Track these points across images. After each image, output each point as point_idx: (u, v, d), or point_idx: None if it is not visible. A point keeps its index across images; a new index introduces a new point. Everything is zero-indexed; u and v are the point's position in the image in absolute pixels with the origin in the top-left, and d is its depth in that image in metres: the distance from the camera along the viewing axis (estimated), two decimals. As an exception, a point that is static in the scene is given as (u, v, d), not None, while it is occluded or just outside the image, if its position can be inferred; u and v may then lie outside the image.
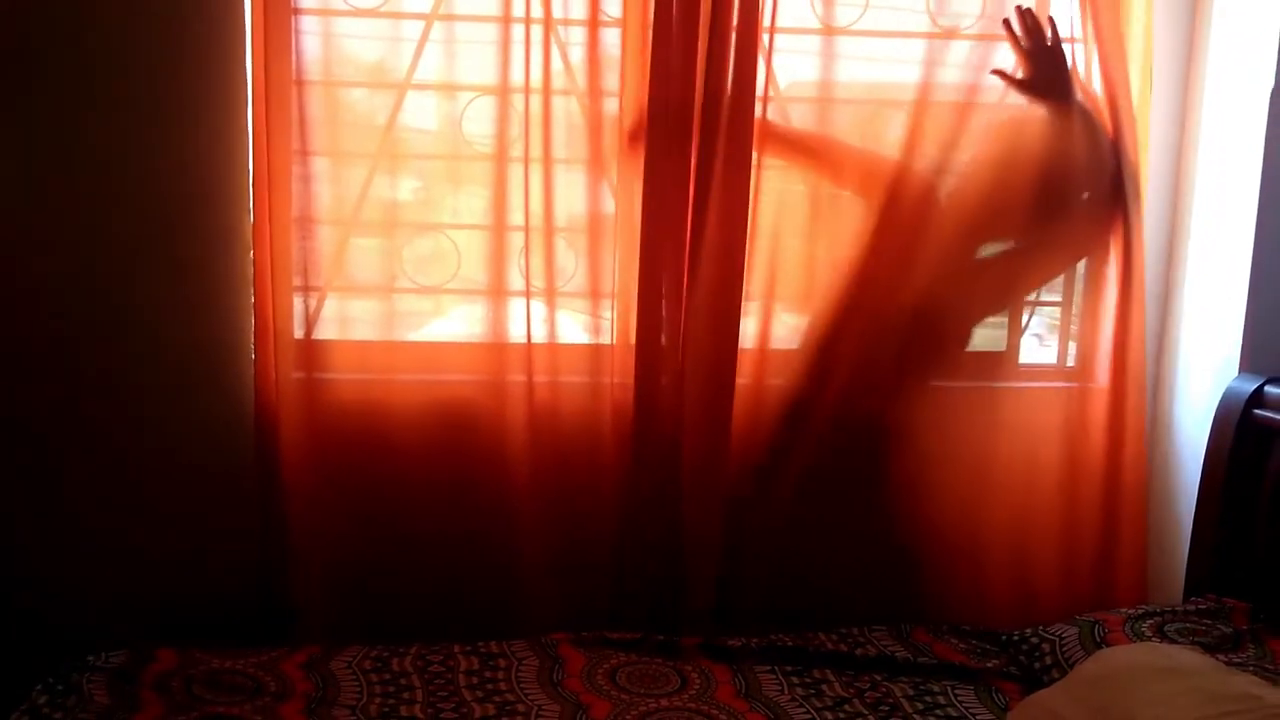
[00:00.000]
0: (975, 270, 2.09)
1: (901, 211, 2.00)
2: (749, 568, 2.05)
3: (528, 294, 2.02)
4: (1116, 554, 2.13)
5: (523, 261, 2.02)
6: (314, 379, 1.99)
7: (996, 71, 1.98)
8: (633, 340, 2.00)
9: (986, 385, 2.13)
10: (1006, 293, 2.13)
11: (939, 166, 2.02)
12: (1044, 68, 1.97)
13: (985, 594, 2.11)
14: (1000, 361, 2.17)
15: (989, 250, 2.11)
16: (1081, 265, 2.17)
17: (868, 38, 2.04)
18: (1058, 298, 2.24)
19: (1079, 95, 1.99)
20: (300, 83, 1.93)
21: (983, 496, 2.11)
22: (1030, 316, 2.23)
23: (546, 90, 1.95)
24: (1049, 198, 2.03)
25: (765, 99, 1.97)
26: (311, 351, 1.99)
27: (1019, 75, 1.98)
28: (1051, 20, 1.97)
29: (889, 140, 2.04)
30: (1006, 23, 1.97)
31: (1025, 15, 1.96)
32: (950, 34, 2.03)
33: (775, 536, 2.05)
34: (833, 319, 2.03)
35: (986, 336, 2.18)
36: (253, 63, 1.91)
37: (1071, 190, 2.04)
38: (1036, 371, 2.23)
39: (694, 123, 1.93)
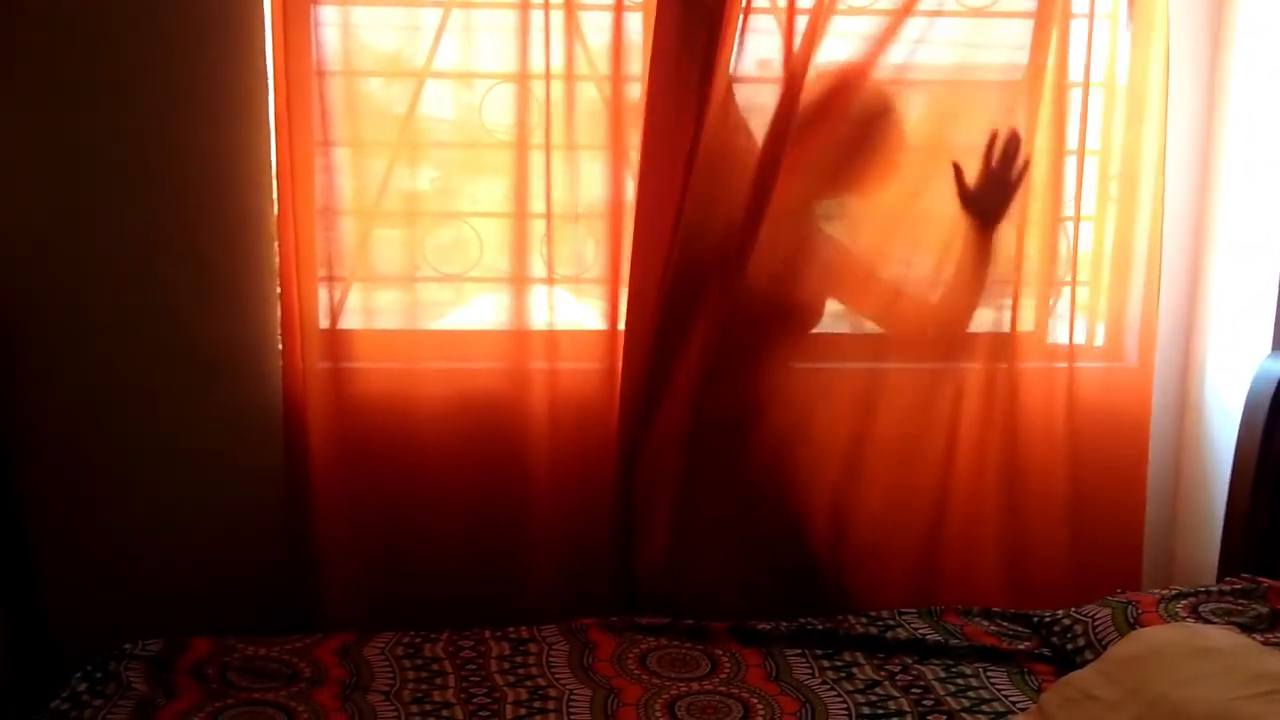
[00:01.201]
0: (821, 243, 2.05)
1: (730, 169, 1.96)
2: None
3: (550, 281, 2.02)
4: (1109, 541, 2.10)
5: (544, 249, 2.02)
6: (341, 369, 2.00)
7: (955, 164, 2.02)
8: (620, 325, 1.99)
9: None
10: (846, 278, 2.08)
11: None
12: (992, 196, 2.03)
13: (939, 579, 2.10)
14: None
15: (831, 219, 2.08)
16: (1108, 244, 2.15)
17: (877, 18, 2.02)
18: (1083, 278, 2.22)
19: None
20: (320, 73, 1.93)
21: (914, 481, 2.08)
22: (1055, 299, 2.21)
23: (569, 77, 1.94)
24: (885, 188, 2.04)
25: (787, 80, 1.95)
26: (338, 342, 2.00)
27: (970, 185, 2.02)
28: (1027, 161, 2.01)
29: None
30: (994, 135, 2.00)
31: (1011, 142, 2.01)
32: (977, 12, 2.03)
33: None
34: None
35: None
36: (273, 54, 1.92)
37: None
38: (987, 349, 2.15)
39: (694, 106, 1.91)
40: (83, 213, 1.97)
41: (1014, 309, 2.08)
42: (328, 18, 1.93)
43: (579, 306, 2.08)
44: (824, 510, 2.09)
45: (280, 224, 1.95)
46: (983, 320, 2.10)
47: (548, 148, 1.97)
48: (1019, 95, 2.02)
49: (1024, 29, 2.02)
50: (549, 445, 2.02)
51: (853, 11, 2.01)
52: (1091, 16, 2.02)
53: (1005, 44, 2.03)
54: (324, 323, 2.00)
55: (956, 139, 2.04)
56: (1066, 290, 2.14)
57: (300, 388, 1.98)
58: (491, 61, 1.99)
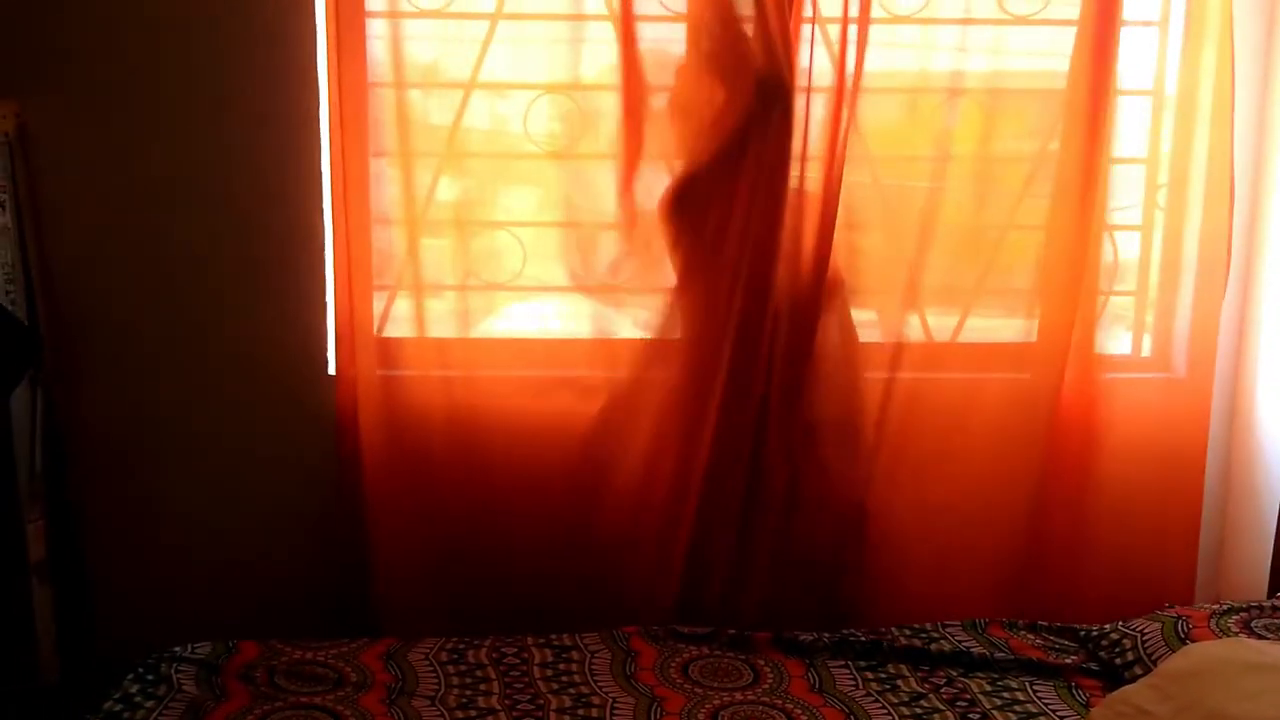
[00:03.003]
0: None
1: None
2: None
3: (597, 290, 2.04)
4: (1163, 554, 2.08)
5: (591, 257, 2.03)
6: (393, 376, 2.02)
7: None
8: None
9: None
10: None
11: None
12: None
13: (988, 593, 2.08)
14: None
15: None
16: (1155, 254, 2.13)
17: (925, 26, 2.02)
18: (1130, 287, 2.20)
19: None
20: (373, 85, 1.96)
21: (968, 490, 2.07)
22: (1101, 309, 2.18)
23: (620, 87, 1.94)
24: None
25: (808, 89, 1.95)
26: (390, 349, 2.03)
27: None
28: None
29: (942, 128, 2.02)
30: None
31: None
32: (1021, 20, 2.02)
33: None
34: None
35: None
36: (326, 67, 1.95)
37: None
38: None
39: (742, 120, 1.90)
40: (140, 222, 2.02)
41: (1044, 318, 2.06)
42: (380, 31, 1.96)
43: (625, 315, 2.09)
44: (866, 518, 2.08)
45: (334, 232, 1.98)
46: (1023, 330, 2.09)
47: (601, 156, 1.99)
48: (1060, 103, 2.01)
49: (1066, 36, 2.00)
50: (601, 452, 2.02)
51: (896, 20, 2.02)
52: (1119, 22, 1.99)
53: (1047, 51, 2.02)
54: (374, 330, 2.02)
55: (996, 148, 2.03)
56: (1111, 299, 2.13)
57: (353, 395, 2.00)
58: (537, 72, 2.01)
